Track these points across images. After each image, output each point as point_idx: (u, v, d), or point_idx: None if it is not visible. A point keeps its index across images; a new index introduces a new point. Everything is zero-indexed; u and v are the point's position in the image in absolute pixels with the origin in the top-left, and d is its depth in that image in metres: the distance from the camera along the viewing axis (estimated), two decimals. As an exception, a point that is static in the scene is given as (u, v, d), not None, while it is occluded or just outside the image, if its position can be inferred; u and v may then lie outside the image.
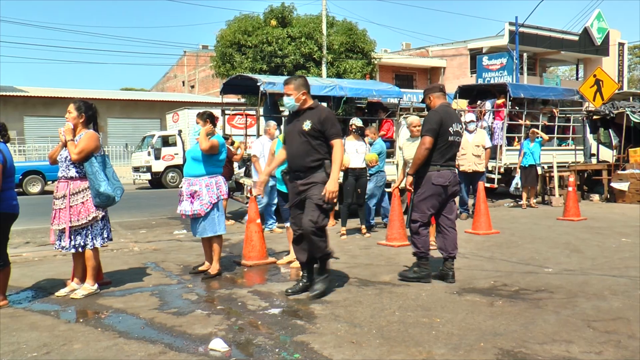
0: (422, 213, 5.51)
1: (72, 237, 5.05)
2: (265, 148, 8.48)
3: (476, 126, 10.76)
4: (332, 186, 4.81)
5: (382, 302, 4.80)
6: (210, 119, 6.08)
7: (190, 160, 5.97)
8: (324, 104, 12.26)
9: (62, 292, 5.20)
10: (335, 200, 4.89)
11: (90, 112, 5.22)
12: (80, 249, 5.09)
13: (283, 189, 6.60)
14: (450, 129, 5.46)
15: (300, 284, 5.15)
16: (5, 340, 4.00)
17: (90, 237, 5.10)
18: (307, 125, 4.87)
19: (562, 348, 3.68)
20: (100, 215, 5.13)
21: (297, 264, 6.35)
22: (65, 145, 5.07)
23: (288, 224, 6.56)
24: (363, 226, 8.75)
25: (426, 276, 5.53)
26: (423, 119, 5.70)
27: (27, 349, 3.82)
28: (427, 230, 5.60)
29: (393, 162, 10.55)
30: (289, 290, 5.07)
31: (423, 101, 5.98)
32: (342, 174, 8.71)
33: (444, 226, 5.65)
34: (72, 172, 5.03)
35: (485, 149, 10.33)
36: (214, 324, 4.27)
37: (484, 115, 13.54)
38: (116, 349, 3.78)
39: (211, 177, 5.90)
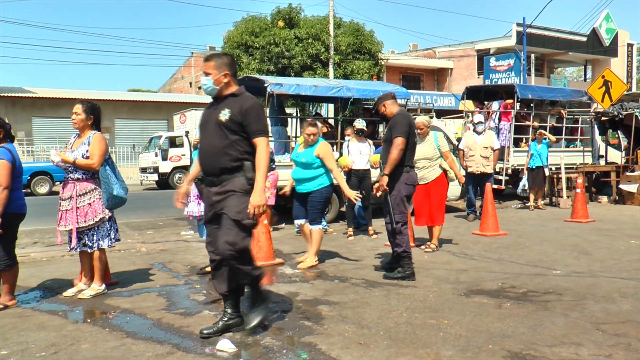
0: (402, 213, 5.69)
1: (79, 237, 5.07)
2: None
3: (484, 127, 10.69)
4: (257, 199, 3.82)
5: (389, 304, 4.79)
6: None
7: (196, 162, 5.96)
8: (330, 105, 12.27)
9: (69, 292, 5.22)
10: (260, 215, 3.90)
11: (97, 114, 5.23)
12: (88, 249, 5.10)
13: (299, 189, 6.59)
14: (415, 131, 5.85)
15: (221, 322, 4.08)
16: (14, 339, 4.02)
17: (97, 238, 5.11)
18: (224, 115, 3.91)
19: (571, 351, 3.66)
20: (107, 216, 5.15)
21: (305, 264, 6.39)
22: (74, 164, 4.99)
23: (299, 221, 6.61)
24: (370, 227, 8.73)
25: (411, 274, 5.65)
26: (391, 121, 5.77)
27: (35, 349, 3.83)
28: (407, 229, 5.80)
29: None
30: (204, 332, 4.00)
31: (376, 110, 6.03)
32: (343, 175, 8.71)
33: None
34: (79, 174, 5.03)
35: (494, 150, 10.28)
36: (221, 325, 4.27)
37: (492, 116, 13.50)
38: (124, 349, 3.78)
39: None
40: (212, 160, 3.98)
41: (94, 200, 5.04)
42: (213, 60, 4.02)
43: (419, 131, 7.14)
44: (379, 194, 5.71)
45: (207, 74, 4.00)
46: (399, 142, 5.52)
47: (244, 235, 3.92)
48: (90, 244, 5.09)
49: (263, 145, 3.92)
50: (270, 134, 9.62)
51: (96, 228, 5.10)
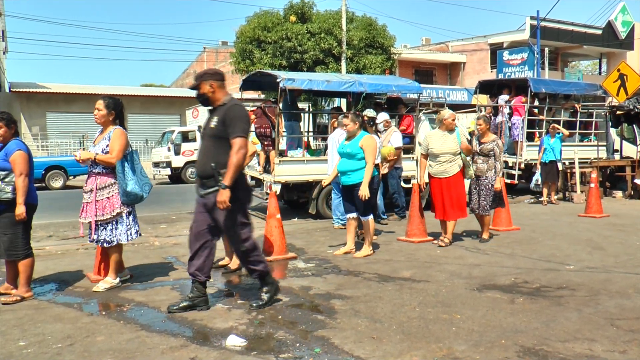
0: (246, 226, 4.64)
1: (98, 231, 5.12)
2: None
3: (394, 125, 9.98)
4: None
5: (402, 298, 4.79)
6: None
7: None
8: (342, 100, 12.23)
9: (96, 286, 5.24)
10: None
11: (119, 109, 5.26)
12: (105, 244, 5.15)
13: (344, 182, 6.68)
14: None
15: None
16: (31, 331, 4.08)
17: (117, 233, 5.15)
18: None
19: (585, 346, 3.64)
20: (125, 212, 5.16)
21: (361, 253, 6.62)
22: (95, 161, 5.06)
23: (350, 215, 6.75)
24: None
25: (277, 290, 4.81)
26: (233, 113, 4.46)
27: (51, 340, 3.89)
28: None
29: (412, 157, 10.49)
30: None
31: (196, 87, 4.70)
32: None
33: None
34: (98, 168, 5.10)
35: (396, 149, 9.38)
36: (235, 318, 4.31)
37: (501, 109, 13.39)
38: (138, 342, 3.83)
39: None
40: None
41: (112, 195, 5.10)
42: None
43: (450, 122, 7.10)
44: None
45: None
46: (242, 142, 4.33)
47: None
48: (108, 239, 5.13)
49: None
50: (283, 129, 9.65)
51: (114, 223, 5.13)
